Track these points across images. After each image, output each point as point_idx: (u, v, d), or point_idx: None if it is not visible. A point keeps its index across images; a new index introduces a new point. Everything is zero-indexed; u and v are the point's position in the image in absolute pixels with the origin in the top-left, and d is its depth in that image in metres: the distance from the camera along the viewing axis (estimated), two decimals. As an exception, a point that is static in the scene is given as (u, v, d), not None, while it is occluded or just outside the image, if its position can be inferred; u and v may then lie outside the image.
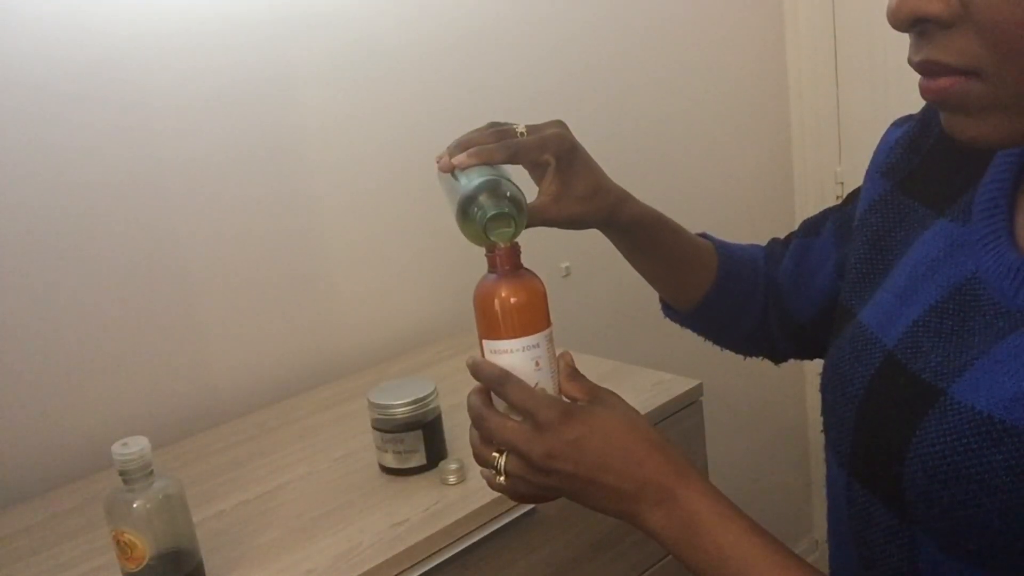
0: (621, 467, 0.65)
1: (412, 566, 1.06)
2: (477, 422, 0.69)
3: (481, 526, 1.12)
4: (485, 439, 0.70)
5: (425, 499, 1.15)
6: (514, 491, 0.70)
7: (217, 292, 1.48)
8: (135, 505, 0.91)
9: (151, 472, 0.92)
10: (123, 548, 0.92)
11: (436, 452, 1.20)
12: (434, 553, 1.08)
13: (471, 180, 0.72)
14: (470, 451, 0.74)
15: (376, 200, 1.65)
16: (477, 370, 0.69)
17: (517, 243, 0.70)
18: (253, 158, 1.49)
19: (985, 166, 0.64)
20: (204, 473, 1.28)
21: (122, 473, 0.91)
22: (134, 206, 1.38)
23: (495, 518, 1.14)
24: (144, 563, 0.92)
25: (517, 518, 1.16)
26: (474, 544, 1.11)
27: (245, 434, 1.41)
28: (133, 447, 0.91)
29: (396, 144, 1.66)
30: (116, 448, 0.91)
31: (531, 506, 1.17)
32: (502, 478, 0.69)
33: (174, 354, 1.45)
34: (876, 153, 0.78)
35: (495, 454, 0.69)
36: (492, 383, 0.69)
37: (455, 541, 1.10)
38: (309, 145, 1.55)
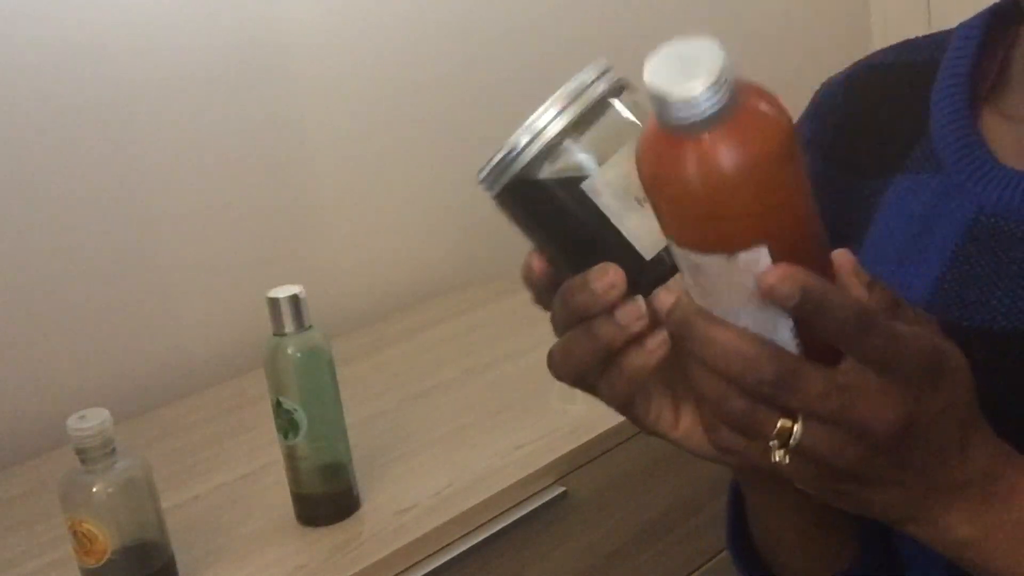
0: (967, 451, 0.50)
1: (424, 559, 1.00)
2: (767, 365, 0.45)
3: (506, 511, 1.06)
4: (766, 393, 0.46)
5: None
6: (803, 476, 0.49)
7: (186, 236, 1.42)
8: (95, 489, 0.89)
9: (113, 450, 0.90)
10: (81, 540, 0.90)
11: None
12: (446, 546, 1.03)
13: None
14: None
15: (374, 123, 1.60)
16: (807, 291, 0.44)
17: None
18: (227, 75, 1.43)
19: (916, 113, 0.67)
20: (175, 452, 1.24)
21: (79, 451, 0.89)
22: (84, 131, 1.31)
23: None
24: (105, 558, 0.90)
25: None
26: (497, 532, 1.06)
27: (223, 405, 1.36)
28: (92, 421, 0.89)
29: (397, 55, 1.60)
30: (72, 422, 0.89)
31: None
32: (782, 454, 0.47)
33: (137, 310, 1.39)
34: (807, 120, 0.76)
35: (782, 421, 0.47)
36: (854, 321, 0.44)
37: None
38: (293, 58, 1.50)
